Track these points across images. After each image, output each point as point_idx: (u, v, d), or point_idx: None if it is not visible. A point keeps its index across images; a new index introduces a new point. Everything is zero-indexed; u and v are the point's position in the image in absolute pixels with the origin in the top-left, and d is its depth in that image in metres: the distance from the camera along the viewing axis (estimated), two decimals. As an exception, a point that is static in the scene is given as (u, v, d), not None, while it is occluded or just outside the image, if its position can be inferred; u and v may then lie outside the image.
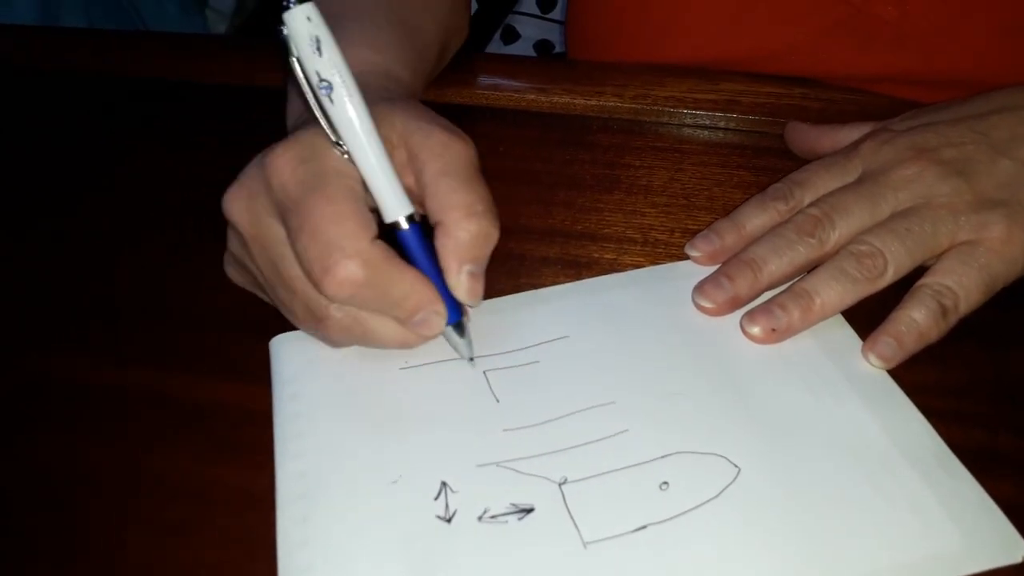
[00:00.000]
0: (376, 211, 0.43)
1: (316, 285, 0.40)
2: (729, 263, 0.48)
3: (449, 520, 0.38)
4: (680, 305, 0.48)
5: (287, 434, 0.42)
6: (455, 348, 0.45)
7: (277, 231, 0.42)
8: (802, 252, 0.46)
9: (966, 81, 0.57)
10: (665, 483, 0.39)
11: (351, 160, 0.41)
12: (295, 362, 0.46)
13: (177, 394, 0.45)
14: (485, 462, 0.40)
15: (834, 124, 0.55)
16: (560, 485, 0.39)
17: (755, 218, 0.50)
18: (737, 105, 0.63)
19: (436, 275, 0.42)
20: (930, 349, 0.44)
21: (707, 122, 0.63)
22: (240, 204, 0.43)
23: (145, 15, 1.38)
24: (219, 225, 0.45)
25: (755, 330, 0.45)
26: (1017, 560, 0.36)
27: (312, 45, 0.39)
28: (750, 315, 0.46)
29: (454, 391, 0.44)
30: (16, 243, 0.56)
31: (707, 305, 0.47)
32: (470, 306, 0.44)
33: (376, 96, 0.45)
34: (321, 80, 0.40)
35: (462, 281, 0.42)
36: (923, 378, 0.43)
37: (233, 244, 0.46)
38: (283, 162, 0.41)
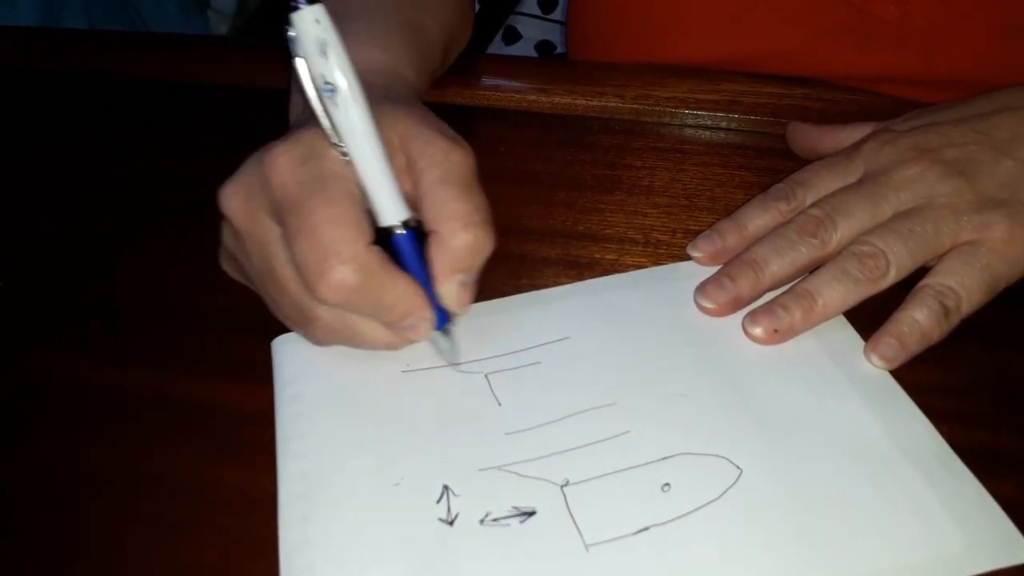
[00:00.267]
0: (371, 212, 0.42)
1: (310, 287, 0.40)
2: (731, 264, 0.48)
3: (451, 523, 0.38)
4: (682, 306, 0.48)
5: (289, 435, 0.42)
6: (440, 353, 0.45)
7: (272, 229, 0.42)
8: (804, 253, 0.46)
9: (967, 81, 0.57)
10: (667, 484, 0.39)
11: (350, 163, 0.41)
12: (297, 363, 0.46)
13: (177, 394, 0.45)
14: (487, 466, 0.40)
15: (836, 124, 0.55)
16: (562, 487, 0.39)
17: (757, 218, 0.50)
18: (739, 105, 0.63)
19: (426, 280, 0.42)
20: (932, 349, 0.44)
21: (708, 122, 0.63)
22: (237, 200, 0.43)
23: (146, 16, 1.38)
24: (219, 225, 0.45)
25: (757, 331, 0.45)
26: (1019, 561, 0.36)
27: (319, 48, 0.39)
28: (752, 316, 0.46)
29: (456, 394, 0.44)
30: (16, 243, 0.56)
31: (709, 306, 0.47)
32: (459, 313, 0.44)
33: (380, 95, 0.45)
34: (326, 83, 0.40)
35: (451, 290, 0.42)
36: (925, 378, 0.43)
37: (227, 238, 0.46)
38: (284, 161, 0.41)
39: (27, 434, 0.44)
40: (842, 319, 0.46)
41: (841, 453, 0.40)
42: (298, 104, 0.50)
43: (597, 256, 0.52)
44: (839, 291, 0.45)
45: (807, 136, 0.57)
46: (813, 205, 0.48)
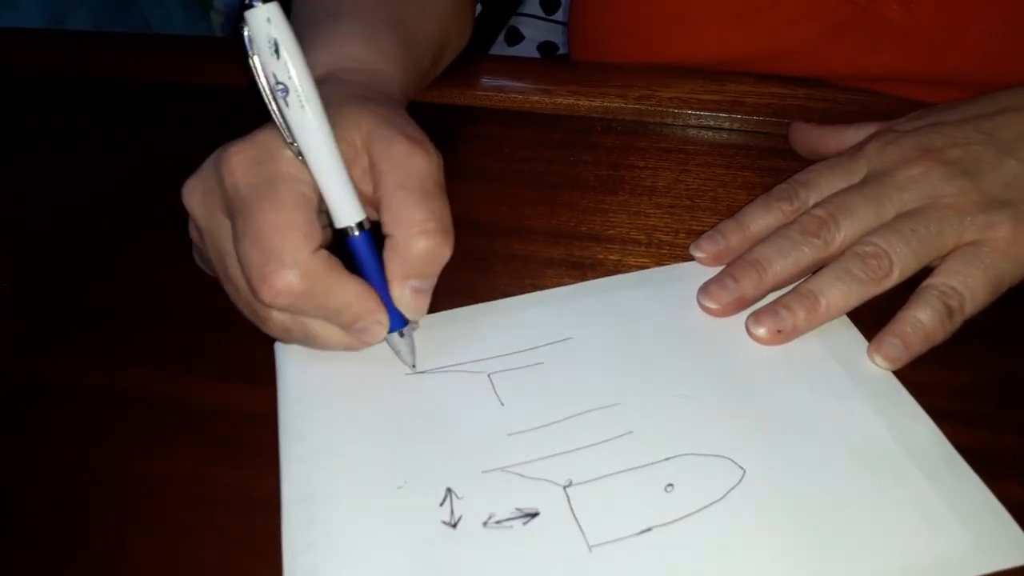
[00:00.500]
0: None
1: (253, 292, 0.40)
2: (734, 264, 0.47)
3: (454, 526, 0.38)
4: (685, 306, 0.48)
5: (292, 437, 0.42)
6: (398, 354, 0.45)
7: (227, 228, 0.42)
8: (807, 253, 0.46)
9: (971, 81, 0.57)
10: (670, 485, 0.39)
11: (305, 163, 0.41)
12: (300, 365, 0.45)
13: (177, 395, 0.45)
14: (490, 468, 0.40)
15: (839, 125, 0.55)
16: (565, 488, 0.39)
17: (760, 219, 0.49)
18: (741, 106, 0.63)
19: (382, 283, 0.42)
20: (936, 349, 0.44)
21: (711, 123, 0.63)
22: (196, 196, 0.43)
23: (149, 17, 1.38)
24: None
25: (760, 331, 0.45)
26: (1024, 562, 0.36)
27: (270, 47, 0.39)
28: (755, 316, 0.45)
29: (459, 395, 0.44)
30: (16, 243, 0.56)
31: (712, 306, 0.46)
32: (413, 319, 0.44)
33: (351, 94, 0.45)
34: (278, 83, 0.39)
35: (405, 296, 0.42)
36: (929, 379, 0.43)
37: (193, 233, 0.46)
38: (237, 162, 0.41)
39: (27, 434, 0.44)
40: (845, 319, 0.46)
41: (845, 454, 0.40)
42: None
43: (600, 257, 0.52)
44: (842, 291, 0.44)
45: (810, 136, 0.57)
46: (816, 205, 0.48)
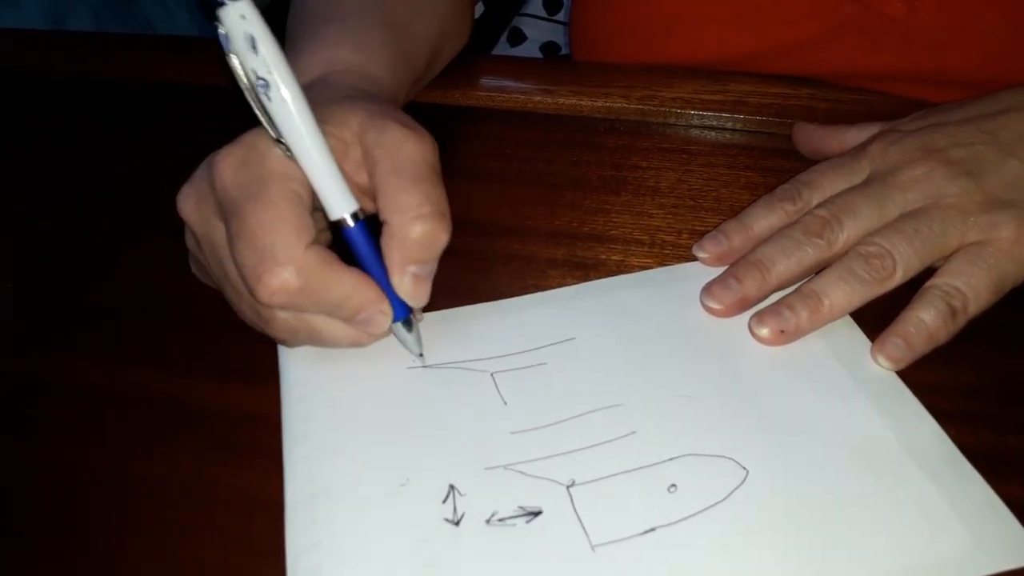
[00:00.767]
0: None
1: (251, 292, 0.40)
2: (737, 264, 0.47)
3: (457, 523, 0.38)
4: (688, 306, 0.47)
5: (295, 436, 0.42)
6: (404, 344, 0.45)
7: (223, 233, 0.42)
8: (810, 253, 0.46)
9: (972, 80, 0.57)
10: (673, 486, 0.39)
11: (293, 159, 0.41)
12: (303, 364, 0.45)
13: (177, 395, 0.45)
14: (493, 465, 0.40)
15: (841, 125, 0.55)
16: (568, 488, 0.39)
17: (763, 219, 0.49)
18: (744, 106, 0.63)
19: (383, 273, 0.42)
20: (939, 350, 0.44)
21: (714, 123, 0.63)
22: (190, 204, 0.43)
23: (151, 17, 1.38)
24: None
25: (763, 331, 0.45)
26: (1028, 562, 0.35)
27: (247, 43, 0.39)
28: (758, 316, 0.45)
29: (462, 394, 0.44)
30: (16, 243, 0.56)
31: (715, 306, 0.46)
32: (415, 307, 0.44)
33: (341, 94, 0.45)
34: (258, 78, 0.39)
35: (405, 283, 0.42)
36: (932, 379, 0.43)
37: (189, 242, 0.46)
38: (226, 165, 0.41)
39: (27, 434, 0.44)
40: (849, 320, 0.46)
41: (847, 454, 0.40)
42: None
43: (603, 257, 0.52)
44: (845, 292, 0.44)
45: (813, 136, 0.57)
46: (819, 206, 0.48)
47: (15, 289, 0.52)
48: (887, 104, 0.61)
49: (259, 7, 0.39)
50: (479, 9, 0.73)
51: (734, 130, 0.62)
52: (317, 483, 0.40)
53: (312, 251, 0.40)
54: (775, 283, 0.46)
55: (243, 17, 0.38)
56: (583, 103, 0.65)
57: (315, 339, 0.43)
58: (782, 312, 0.45)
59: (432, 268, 0.43)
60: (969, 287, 0.44)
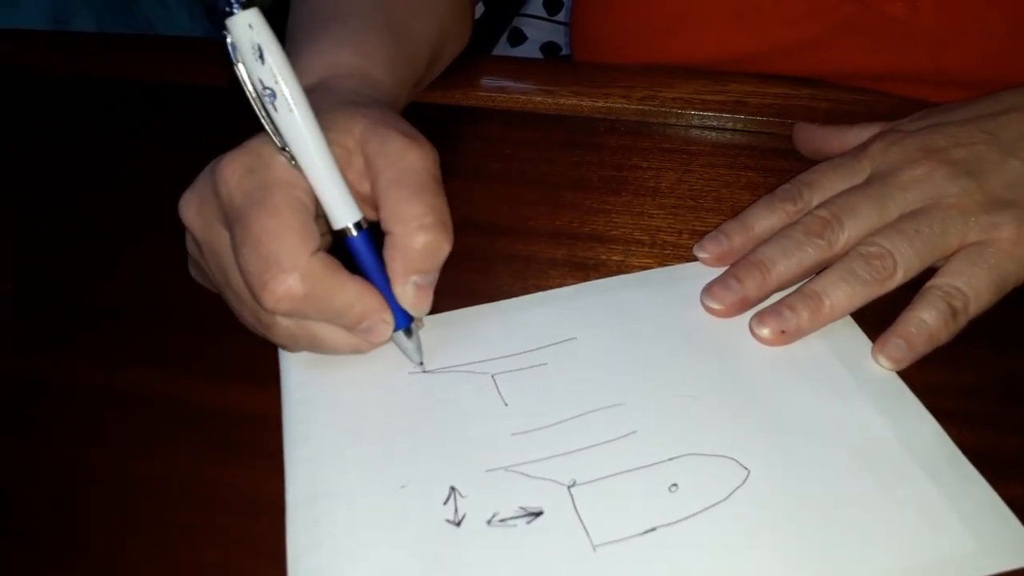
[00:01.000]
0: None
1: (255, 299, 0.40)
2: (738, 264, 0.47)
3: (458, 524, 0.38)
4: (688, 307, 0.47)
5: (296, 438, 0.42)
6: (404, 352, 0.45)
7: (226, 239, 0.42)
8: (811, 253, 0.46)
9: (975, 80, 0.57)
10: (674, 485, 0.39)
11: (298, 167, 0.41)
12: (304, 367, 0.45)
13: (177, 395, 0.45)
14: (494, 466, 0.40)
15: (842, 125, 0.55)
16: (569, 488, 0.39)
17: (763, 219, 0.49)
18: (745, 106, 0.62)
19: (385, 282, 0.42)
20: (940, 350, 0.44)
21: (715, 123, 0.63)
22: (192, 209, 0.43)
23: (152, 18, 1.38)
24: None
25: (764, 332, 0.45)
26: (1029, 563, 0.35)
27: (254, 52, 0.39)
28: (759, 317, 0.45)
29: (463, 395, 0.44)
30: (16, 243, 0.56)
31: (716, 306, 0.46)
32: (417, 316, 0.44)
33: (342, 99, 0.45)
34: (265, 88, 0.39)
35: (407, 292, 0.42)
36: (933, 379, 0.43)
37: (190, 247, 0.46)
38: (230, 171, 0.41)
39: (27, 434, 0.44)
40: (849, 320, 0.46)
41: (848, 454, 0.40)
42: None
43: (603, 257, 0.52)
44: (846, 292, 0.44)
45: (813, 136, 0.57)
46: (820, 206, 0.48)
47: (15, 289, 0.52)
48: (887, 104, 0.61)
49: (260, 7, 0.39)
50: (479, 9, 0.73)
51: (734, 130, 0.62)
52: (318, 484, 0.40)
53: (317, 259, 0.40)
54: (775, 283, 0.46)
55: (250, 27, 0.38)
56: (583, 103, 0.65)
57: (316, 346, 0.43)
58: (783, 312, 0.45)
59: (434, 278, 0.43)
60: (970, 287, 0.44)
